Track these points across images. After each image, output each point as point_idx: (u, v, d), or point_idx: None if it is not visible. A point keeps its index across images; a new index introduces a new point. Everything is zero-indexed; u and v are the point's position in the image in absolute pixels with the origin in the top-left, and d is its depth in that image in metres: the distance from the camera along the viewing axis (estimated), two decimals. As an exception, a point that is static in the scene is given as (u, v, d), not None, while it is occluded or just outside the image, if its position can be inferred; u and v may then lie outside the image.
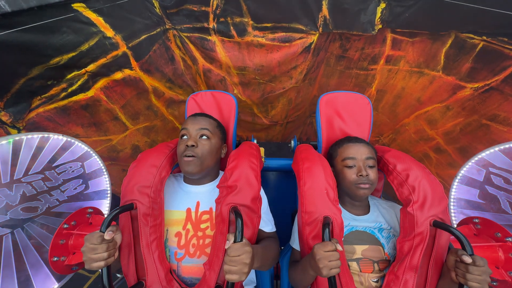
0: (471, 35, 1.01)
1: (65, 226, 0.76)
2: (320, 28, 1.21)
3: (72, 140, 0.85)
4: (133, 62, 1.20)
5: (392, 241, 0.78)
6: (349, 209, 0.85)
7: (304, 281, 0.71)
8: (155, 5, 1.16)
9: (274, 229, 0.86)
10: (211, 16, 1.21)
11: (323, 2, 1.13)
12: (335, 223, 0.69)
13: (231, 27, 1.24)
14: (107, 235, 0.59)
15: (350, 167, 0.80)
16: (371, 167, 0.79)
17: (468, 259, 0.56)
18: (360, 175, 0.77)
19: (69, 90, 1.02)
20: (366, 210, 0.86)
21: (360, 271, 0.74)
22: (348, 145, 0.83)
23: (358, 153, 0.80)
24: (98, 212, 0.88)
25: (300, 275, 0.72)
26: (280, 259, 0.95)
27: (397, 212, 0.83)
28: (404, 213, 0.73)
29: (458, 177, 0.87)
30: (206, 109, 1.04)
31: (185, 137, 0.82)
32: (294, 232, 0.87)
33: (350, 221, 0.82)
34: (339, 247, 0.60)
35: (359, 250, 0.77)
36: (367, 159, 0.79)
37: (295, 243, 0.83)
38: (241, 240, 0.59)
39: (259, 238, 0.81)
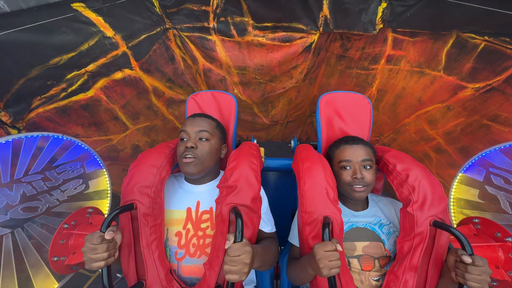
0: (473, 35, 1.01)
1: (65, 226, 0.76)
2: (321, 28, 1.21)
3: (72, 140, 0.85)
4: (133, 62, 1.19)
5: (393, 237, 0.78)
6: (348, 206, 0.85)
7: (303, 279, 0.72)
8: (155, 4, 1.15)
9: (274, 230, 0.87)
10: (211, 15, 1.20)
11: (324, 2, 1.12)
12: (335, 223, 0.69)
13: (232, 27, 1.24)
14: (107, 235, 0.60)
15: (346, 169, 0.80)
16: (367, 168, 0.79)
17: (467, 259, 0.57)
18: (354, 178, 0.77)
19: (69, 90, 1.01)
20: (365, 205, 0.86)
21: (361, 269, 0.74)
22: (345, 147, 0.83)
23: (354, 155, 0.80)
24: (98, 212, 0.88)
25: (299, 273, 0.72)
26: (280, 259, 0.95)
27: (396, 208, 0.83)
28: (404, 213, 0.73)
29: (458, 177, 0.87)
30: (206, 109, 1.04)
31: (184, 138, 0.82)
32: (293, 229, 0.87)
33: (349, 217, 0.82)
34: (339, 247, 0.60)
35: (360, 246, 0.77)
36: (363, 161, 0.79)
37: (294, 240, 0.83)
38: (241, 240, 0.59)
39: (259, 238, 0.81)
